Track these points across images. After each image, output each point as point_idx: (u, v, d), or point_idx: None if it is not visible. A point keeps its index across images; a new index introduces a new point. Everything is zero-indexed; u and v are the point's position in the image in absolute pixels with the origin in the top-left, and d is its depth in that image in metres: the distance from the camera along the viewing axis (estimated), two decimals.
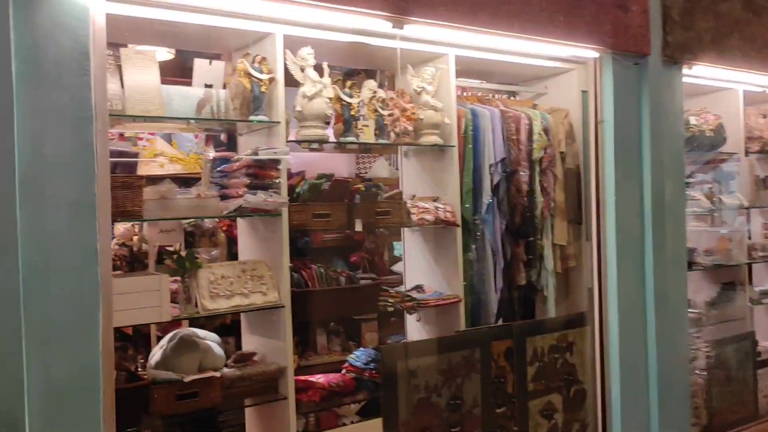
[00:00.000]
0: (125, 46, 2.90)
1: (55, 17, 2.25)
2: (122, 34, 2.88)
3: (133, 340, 3.88)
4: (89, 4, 2.31)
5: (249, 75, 2.99)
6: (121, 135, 4.17)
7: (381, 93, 3.47)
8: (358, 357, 3.52)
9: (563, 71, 4.06)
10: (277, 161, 3.00)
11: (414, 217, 3.46)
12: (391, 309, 3.50)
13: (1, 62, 2.14)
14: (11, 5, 2.15)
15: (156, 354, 3.01)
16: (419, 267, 3.84)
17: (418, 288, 3.70)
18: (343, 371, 3.49)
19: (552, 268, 3.95)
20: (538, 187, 3.88)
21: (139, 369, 3.36)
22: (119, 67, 2.75)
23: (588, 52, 3.72)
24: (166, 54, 4.22)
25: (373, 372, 3.42)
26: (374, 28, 3.10)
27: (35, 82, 2.22)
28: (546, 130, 3.92)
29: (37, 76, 2.22)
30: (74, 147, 2.28)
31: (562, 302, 4.06)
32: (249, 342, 3.37)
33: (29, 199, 2.20)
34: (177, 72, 3.99)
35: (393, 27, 3.04)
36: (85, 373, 2.30)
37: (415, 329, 3.85)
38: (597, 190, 3.85)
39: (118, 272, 3.69)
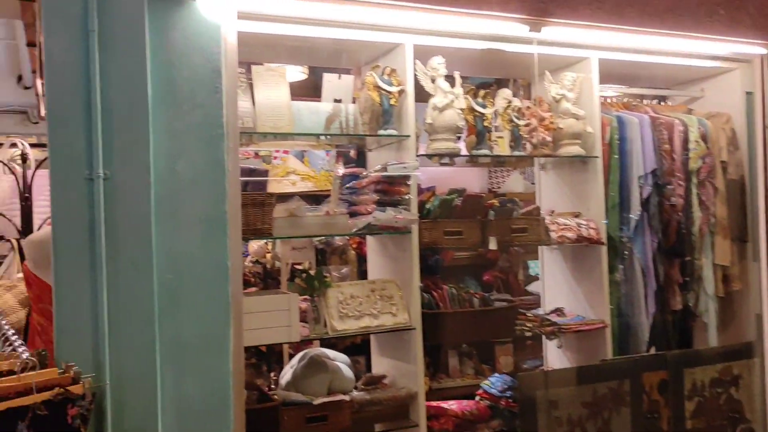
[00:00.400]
0: (260, 64, 2.91)
1: (189, 37, 2.28)
2: (254, 51, 2.90)
3: (266, 357, 3.90)
4: (221, 22, 2.32)
5: (378, 88, 2.90)
6: (256, 154, 4.25)
7: (516, 102, 3.27)
8: (493, 383, 3.30)
9: (723, 71, 3.65)
10: (406, 176, 2.88)
11: (554, 235, 3.21)
12: (529, 334, 3.25)
13: (138, 84, 2.17)
14: (147, 28, 2.19)
15: (286, 374, 2.97)
16: (559, 288, 3.56)
17: (558, 311, 3.43)
18: (477, 398, 3.29)
19: (713, 292, 3.53)
20: (695, 201, 3.50)
21: (273, 386, 3.35)
22: (251, 85, 2.75)
23: (753, 48, 3.32)
24: (300, 74, 4.26)
25: (510, 401, 3.19)
26: (509, 32, 2.92)
27: (169, 101, 2.24)
28: (704, 137, 3.53)
29: (171, 96, 2.24)
30: (206, 165, 2.28)
31: (724, 330, 3.62)
32: (379, 364, 3.26)
33: (164, 216, 2.21)
34: (310, 91, 4.00)
35: (530, 30, 2.85)
36: (216, 392, 2.28)
37: (555, 356, 3.57)
38: (766, 203, 3.41)
39: (253, 289, 3.73)
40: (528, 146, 3.28)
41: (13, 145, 3.75)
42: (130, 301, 2.14)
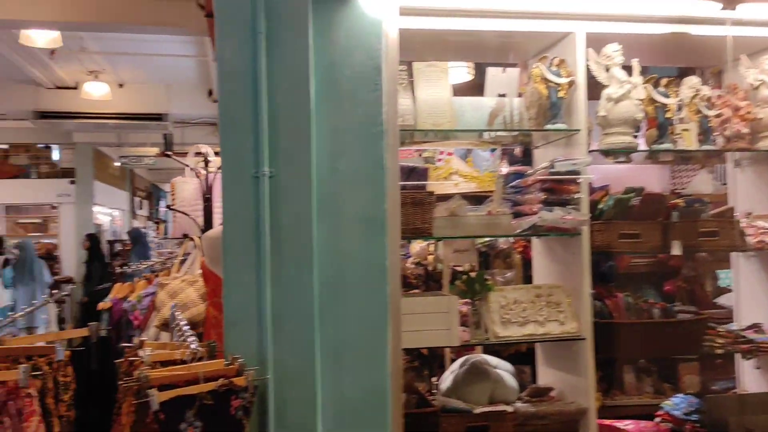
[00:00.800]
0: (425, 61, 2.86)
1: (351, 35, 2.27)
2: (417, 49, 2.84)
3: (428, 361, 3.84)
4: (383, 18, 2.29)
5: (545, 80, 2.73)
6: (420, 155, 4.21)
7: (706, 90, 2.92)
8: (677, 405, 2.97)
9: None
10: (576, 174, 2.67)
11: (751, 240, 2.84)
12: (719, 351, 2.88)
13: (302, 83, 2.20)
14: (311, 28, 2.21)
15: (447, 379, 2.88)
16: (757, 301, 3.16)
17: (756, 327, 3.03)
18: (658, 420, 2.98)
19: None
20: None
21: (434, 390, 3.28)
22: (411, 83, 2.70)
23: None
24: (465, 74, 4.17)
25: (696, 425, 2.86)
26: (697, 13, 2.62)
27: (331, 100, 2.25)
28: None
29: (333, 95, 2.25)
30: (366, 163, 2.26)
31: None
32: (545, 375, 3.07)
33: (325, 215, 2.22)
34: (475, 92, 3.90)
35: (723, 9, 2.53)
36: (374, 393, 2.24)
37: (751, 377, 3.16)
38: None
39: (416, 291, 3.69)
40: (719, 140, 2.92)
41: (198, 153, 4.04)
42: (292, 298, 2.17)
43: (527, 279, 3.53)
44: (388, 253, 2.25)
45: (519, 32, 2.76)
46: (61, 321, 8.89)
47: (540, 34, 2.80)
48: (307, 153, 2.20)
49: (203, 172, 4.05)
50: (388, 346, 2.24)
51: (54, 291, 3.18)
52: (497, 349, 3.34)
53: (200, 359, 1.95)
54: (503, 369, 2.88)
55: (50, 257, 11.48)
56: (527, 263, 3.57)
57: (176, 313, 2.27)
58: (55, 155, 13.13)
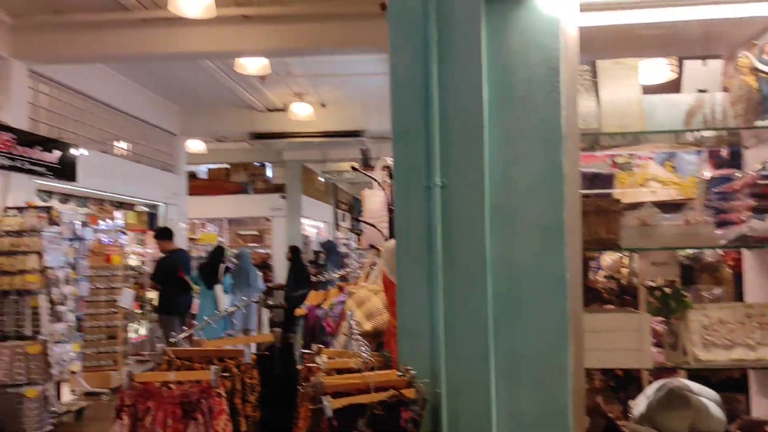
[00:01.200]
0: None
1: (526, 36, 2.18)
2: (600, 46, 2.65)
3: (623, 383, 3.56)
4: (560, 16, 2.16)
5: (755, 71, 2.39)
6: (614, 162, 3.93)
7: None
8: None
9: None
10: None
11: None
12: None
13: (474, 90, 2.15)
14: (483, 32, 2.15)
15: (640, 404, 2.62)
16: None
17: None
18: None
19: None
20: None
21: (629, 415, 3.03)
22: (595, 83, 2.52)
23: None
24: (668, 72, 3.81)
25: None
26: None
27: (505, 105, 2.17)
28: None
29: (506, 100, 2.17)
30: (543, 170, 2.15)
31: None
32: (761, 406, 2.69)
33: (498, 224, 2.15)
34: (673, 91, 3.55)
35: None
36: (553, 413, 2.11)
37: None
38: None
39: (609, 306, 3.43)
40: None
41: (385, 167, 4.14)
42: (465, 310, 2.12)
43: (739, 296, 3.12)
44: (567, 265, 2.12)
45: (722, 19, 2.45)
46: (272, 325, 9.65)
47: (748, 19, 2.47)
48: (479, 161, 2.14)
49: (389, 183, 4.14)
50: (570, 363, 2.10)
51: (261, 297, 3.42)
52: (705, 375, 2.98)
53: (372, 369, 1.97)
54: (707, 397, 2.55)
55: (264, 266, 12.57)
56: (740, 278, 3.16)
57: (352, 321, 2.32)
58: (269, 172, 14.41)
